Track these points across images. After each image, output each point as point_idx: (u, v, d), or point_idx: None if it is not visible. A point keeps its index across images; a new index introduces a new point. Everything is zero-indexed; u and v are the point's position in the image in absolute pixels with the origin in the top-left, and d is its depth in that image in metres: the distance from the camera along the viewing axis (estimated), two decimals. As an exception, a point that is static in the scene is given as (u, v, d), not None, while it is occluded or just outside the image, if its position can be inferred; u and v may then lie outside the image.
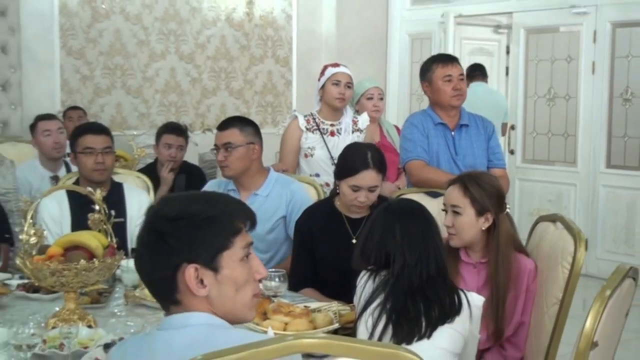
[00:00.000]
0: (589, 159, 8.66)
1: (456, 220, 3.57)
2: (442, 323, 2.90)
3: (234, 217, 2.13)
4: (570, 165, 8.86)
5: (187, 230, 2.12)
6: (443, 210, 3.68)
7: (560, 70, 9.03)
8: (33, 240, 3.20)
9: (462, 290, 3.04)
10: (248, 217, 2.15)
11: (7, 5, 8.10)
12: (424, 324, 2.88)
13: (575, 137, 8.84)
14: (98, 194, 3.62)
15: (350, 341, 1.83)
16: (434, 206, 3.77)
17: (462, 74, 5.02)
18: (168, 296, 2.14)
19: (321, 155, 5.40)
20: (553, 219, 3.75)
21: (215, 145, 4.57)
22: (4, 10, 8.09)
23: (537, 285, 3.55)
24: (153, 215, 2.19)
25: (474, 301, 3.02)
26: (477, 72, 8.88)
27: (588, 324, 2.47)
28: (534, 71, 9.28)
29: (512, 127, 9.32)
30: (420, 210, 3.18)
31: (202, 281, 2.08)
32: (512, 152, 9.30)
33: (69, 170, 6.12)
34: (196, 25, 9.35)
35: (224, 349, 1.75)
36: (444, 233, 3.44)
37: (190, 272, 2.08)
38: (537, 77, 9.26)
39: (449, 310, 2.91)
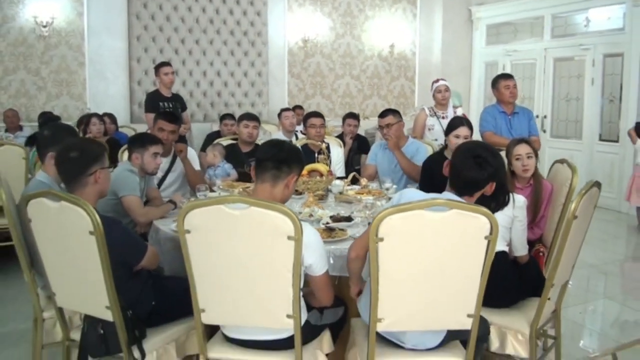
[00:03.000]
0: (589, 136, 8.56)
1: (531, 161, 3.59)
2: (498, 210, 2.85)
3: None
4: (578, 138, 8.77)
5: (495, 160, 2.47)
6: (517, 160, 3.62)
7: (573, 82, 8.94)
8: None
9: (512, 193, 3.00)
10: None
11: (261, 50, 8.71)
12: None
13: (581, 122, 8.77)
14: (323, 146, 4.20)
15: (456, 201, 2.23)
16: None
17: (515, 85, 5.13)
18: (473, 191, 2.45)
19: (438, 129, 5.51)
20: (562, 161, 3.79)
21: (379, 125, 4.74)
22: (260, 53, 8.70)
23: (552, 196, 3.63)
24: (477, 152, 2.44)
25: (517, 198, 3.08)
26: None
27: (573, 205, 2.59)
28: (558, 83, 9.19)
29: (545, 117, 9.23)
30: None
31: None
32: (544, 131, 9.12)
33: (296, 137, 6.39)
34: (361, 59, 9.65)
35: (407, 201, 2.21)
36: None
37: (493, 184, 2.47)
38: (560, 86, 9.16)
39: (502, 203, 2.81)
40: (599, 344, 3.96)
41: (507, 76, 5.26)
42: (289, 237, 2.15)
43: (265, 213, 2.15)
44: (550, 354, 3.22)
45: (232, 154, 4.86)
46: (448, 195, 2.42)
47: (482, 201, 2.96)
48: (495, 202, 2.89)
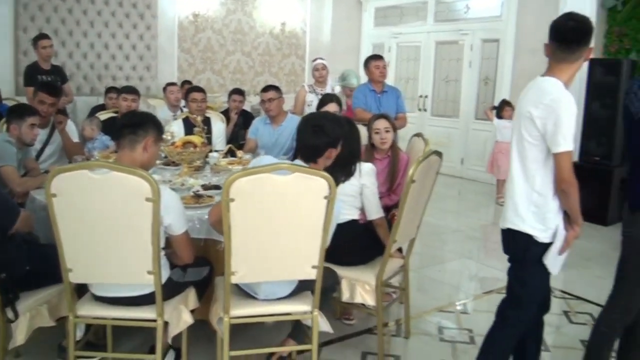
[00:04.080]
0: (465, 115, 9.19)
1: (388, 135, 3.91)
2: (344, 181, 3.07)
3: None
4: (455, 117, 9.35)
5: (335, 129, 2.67)
6: (376, 133, 3.93)
7: (453, 65, 9.46)
8: (169, 138, 3.87)
9: (360, 162, 3.22)
10: None
11: (151, 24, 8.64)
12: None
13: (458, 102, 9.33)
14: (199, 119, 4.38)
15: (298, 165, 2.48)
16: (364, 130, 4.05)
17: (384, 65, 5.42)
18: (315, 157, 2.63)
19: (315, 104, 5.51)
20: (418, 135, 4.21)
21: (262, 100, 5.01)
22: (149, 26, 8.65)
23: (408, 166, 3.81)
24: (317, 122, 2.66)
25: (364, 167, 3.30)
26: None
27: (411, 170, 2.93)
28: (439, 65, 9.67)
29: (426, 96, 9.71)
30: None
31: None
32: (425, 110, 9.71)
33: (181, 111, 6.41)
34: (252, 35, 9.74)
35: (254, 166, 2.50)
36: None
37: (333, 151, 2.66)
38: (442, 68, 9.64)
39: (348, 174, 3.07)
40: (454, 296, 4.42)
41: (378, 57, 5.58)
42: (147, 199, 2.37)
43: (125, 177, 2.36)
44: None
45: (112, 127, 4.92)
46: (297, 162, 2.67)
47: (332, 172, 3.22)
48: (344, 173, 3.15)
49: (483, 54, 9.00)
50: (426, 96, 9.82)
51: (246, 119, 6.55)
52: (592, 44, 2.43)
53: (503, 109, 7.28)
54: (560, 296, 4.40)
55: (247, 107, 7.29)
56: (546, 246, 2.45)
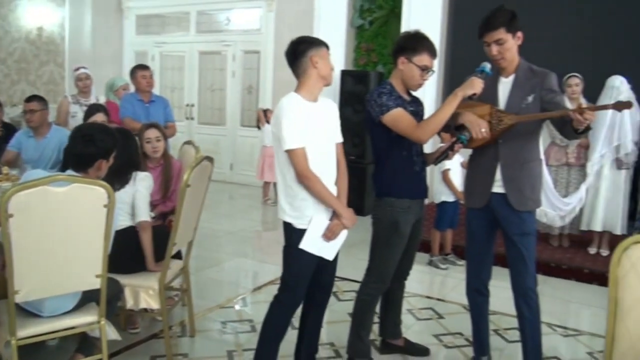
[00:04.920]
0: (232, 122, 9.52)
1: (160, 144, 3.99)
2: (119, 189, 3.20)
3: None
4: (222, 125, 9.62)
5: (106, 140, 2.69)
6: (147, 143, 3.98)
7: (217, 74, 9.71)
8: None
9: (137, 172, 3.37)
10: None
11: None
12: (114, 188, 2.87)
13: (224, 110, 9.62)
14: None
15: (75, 175, 2.50)
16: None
17: (151, 75, 5.45)
18: (85, 167, 2.62)
19: (81, 116, 5.36)
20: (189, 142, 4.39)
21: (24, 110, 4.70)
22: None
23: (181, 172, 3.93)
24: (87, 131, 2.68)
25: (139, 175, 3.40)
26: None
27: (186, 175, 3.04)
28: (204, 74, 9.84)
29: (193, 105, 9.83)
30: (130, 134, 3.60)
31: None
32: (192, 118, 9.82)
33: None
34: (8, 40, 9.08)
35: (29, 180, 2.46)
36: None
37: (104, 162, 2.63)
38: (206, 77, 9.81)
39: (123, 182, 3.28)
40: (233, 292, 4.65)
41: (144, 67, 5.57)
42: None
43: None
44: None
45: None
46: (69, 172, 2.66)
47: (107, 180, 3.08)
48: (119, 182, 3.28)
49: (245, 64, 9.39)
50: (193, 105, 9.93)
51: (8, 131, 5.92)
52: (318, 54, 2.81)
53: (268, 114, 7.72)
54: (329, 280, 4.86)
55: (6, 119, 6.73)
56: (304, 232, 2.79)
